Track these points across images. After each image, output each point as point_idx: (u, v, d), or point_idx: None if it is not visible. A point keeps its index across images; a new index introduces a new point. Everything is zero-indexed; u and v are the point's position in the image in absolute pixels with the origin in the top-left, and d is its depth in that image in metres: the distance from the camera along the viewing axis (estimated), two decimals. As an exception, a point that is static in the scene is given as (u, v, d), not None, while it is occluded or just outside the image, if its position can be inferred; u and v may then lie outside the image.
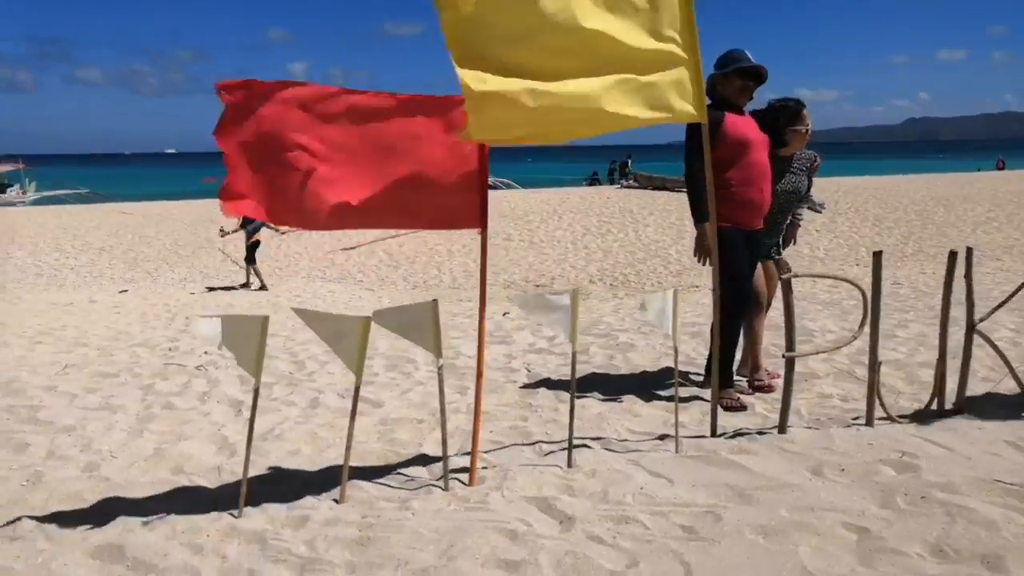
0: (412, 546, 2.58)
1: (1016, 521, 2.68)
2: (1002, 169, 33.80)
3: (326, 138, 2.85)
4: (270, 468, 3.48)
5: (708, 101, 4.39)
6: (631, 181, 24.22)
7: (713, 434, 3.69)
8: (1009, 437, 3.42)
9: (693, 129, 3.96)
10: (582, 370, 5.30)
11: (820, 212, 19.86)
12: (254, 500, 3.04)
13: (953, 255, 3.61)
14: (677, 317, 3.45)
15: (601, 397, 4.52)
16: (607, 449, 3.56)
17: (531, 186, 30.40)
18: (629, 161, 31.47)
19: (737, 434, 3.71)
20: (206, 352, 6.26)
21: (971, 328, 3.75)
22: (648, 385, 4.77)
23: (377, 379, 5.04)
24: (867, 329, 3.64)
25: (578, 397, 4.60)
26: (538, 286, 15.72)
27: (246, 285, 13.97)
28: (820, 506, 2.81)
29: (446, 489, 3.08)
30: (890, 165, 50.35)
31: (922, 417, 3.76)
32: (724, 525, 2.67)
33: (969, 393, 4.17)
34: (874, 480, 3.03)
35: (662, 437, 3.66)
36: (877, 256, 3.57)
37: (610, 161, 33.13)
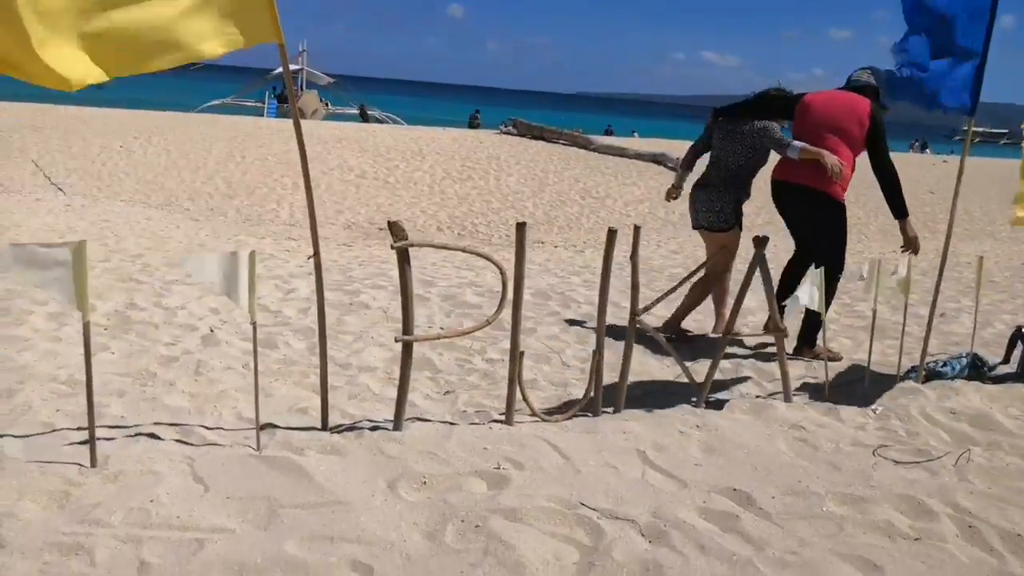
0: None
1: (565, 558, 2.24)
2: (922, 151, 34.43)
3: None
4: None
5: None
6: (510, 127, 23.47)
7: (323, 427, 3.13)
8: (644, 445, 3.01)
9: (880, 119, 4.35)
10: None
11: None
12: None
13: (612, 233, 3.12)
14: (255, 287, 2.80)
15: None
16: (181, 441, 2.94)
17: (419, 123, 29.28)
18: (478, 115, 32.46)
19: (353, 427, 3.17)
20: None
21: (633, 317, 3.31)
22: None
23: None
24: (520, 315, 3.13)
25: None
26: (381, 229, 14.93)
27: None
28: (346, 536, 2.29)
29: None
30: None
31: (573, 415, 3.33)
32: (197, 559, 2.11)
33: (660, 385, 3.82)
34: (445, 499, 2.54)
35: (263, 427, 3.07)
36: (520, 227, 3.03)
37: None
